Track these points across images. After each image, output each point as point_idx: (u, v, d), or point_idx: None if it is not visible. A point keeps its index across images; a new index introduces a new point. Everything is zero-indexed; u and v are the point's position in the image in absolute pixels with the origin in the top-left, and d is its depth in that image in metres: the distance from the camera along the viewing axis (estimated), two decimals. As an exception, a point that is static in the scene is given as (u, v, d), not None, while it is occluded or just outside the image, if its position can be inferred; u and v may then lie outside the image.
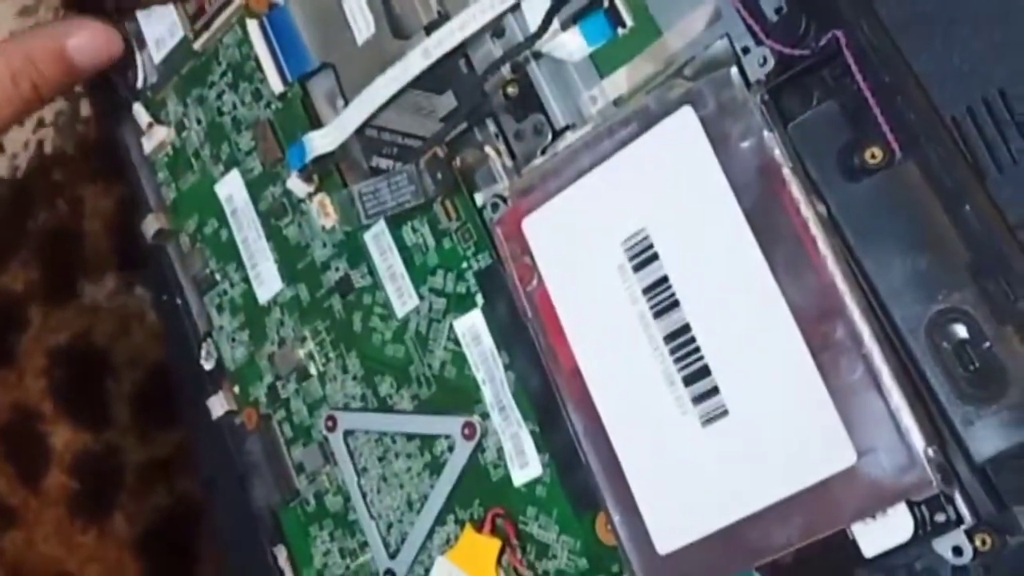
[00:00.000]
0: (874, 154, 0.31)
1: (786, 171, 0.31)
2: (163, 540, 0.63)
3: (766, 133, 0.31)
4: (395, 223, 0.41)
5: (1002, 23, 0.31)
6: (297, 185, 0.42)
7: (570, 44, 0.38)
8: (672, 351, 0.33)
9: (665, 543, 0.33)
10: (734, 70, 0.32)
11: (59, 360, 0.65)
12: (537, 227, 0.36)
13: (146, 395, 0.62)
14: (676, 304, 0.33)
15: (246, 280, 0.45)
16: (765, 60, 0.32)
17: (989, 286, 0.29)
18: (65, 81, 0.45)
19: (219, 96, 0.46)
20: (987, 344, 0.29)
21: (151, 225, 0.48)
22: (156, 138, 0.48)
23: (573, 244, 0.35)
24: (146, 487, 0.63)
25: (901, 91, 0.31)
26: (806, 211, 0.31)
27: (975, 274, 0.29)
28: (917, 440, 0.29)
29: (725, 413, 0.32)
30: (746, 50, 0.33)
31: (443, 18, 0.40)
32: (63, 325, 0.64)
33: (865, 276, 0.31)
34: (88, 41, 0.45)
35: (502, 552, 0.38)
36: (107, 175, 0.62)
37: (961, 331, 0.29)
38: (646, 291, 0.33)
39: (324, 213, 0.43)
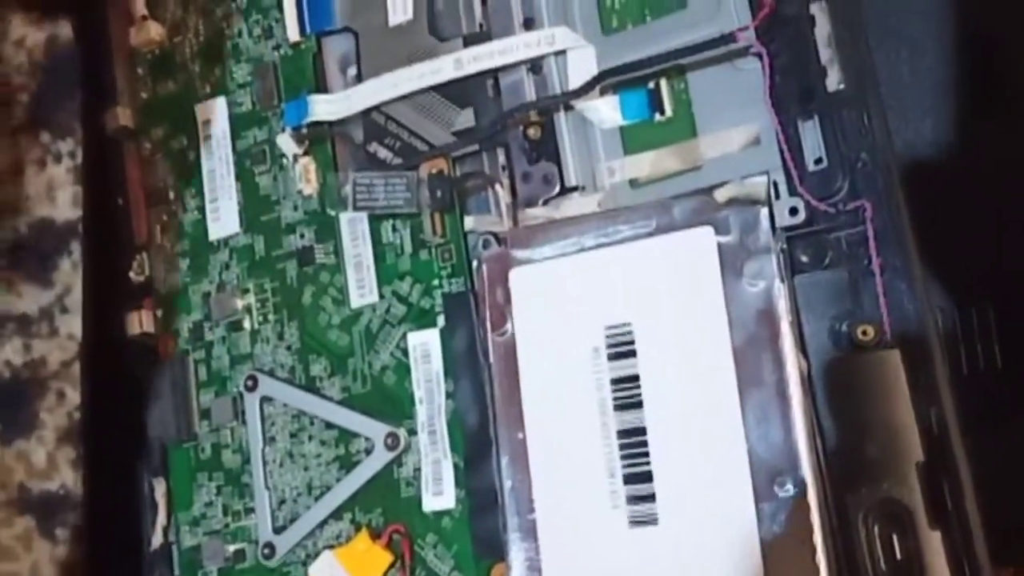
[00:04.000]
0: (866, 331, 0.33)
1: (785, 325, 0.32)
2: (4, 398, 0.61)
3: (777, 282, 0.32)
4: (377, 216, 0.40)
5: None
6: (288, 143, 0.42)
7: (604, 111, 0.38)
8: (622, 447, 0.34)
9: (558, 617, 0.34)
10: (765, 212, 0.33)
11: None
12: (524, 281, 0.36)
13: (24, 246, 0.59)
14: (639, 405, 0.34)
15: (201, 210, 0.44)
16: (796, 211, 0.33)
17: (934, 490, 0.31)
18: None
19: (226, 17, 0.45)
20: (916, 542, 0.31)
21: (116, 118, 0.46)
22: (147, 33, 0.46)
23: (556, 311, 0.36)
24: (-1, 338, 0.61)
25: (906, 280, 0.33)
26: (791, 368, 0.32)
27: (924, 475, 0.31)
28: (827, 610, 0.31)
29: (655, 522, 0.33)
30: (777, 192, 0.34)
31: (483, 32, 0.40)
32: None
33: (823, 443, 0.32)
34: None
35: (390, 567, 0.38)
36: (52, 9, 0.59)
37: (895, 523, 0.31)
38: (615, 382, 0.34)
39: (306, 179, 0.42)
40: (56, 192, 0.56)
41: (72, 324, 0.54)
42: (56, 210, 0.56)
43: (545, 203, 0.38)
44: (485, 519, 0.37)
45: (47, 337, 0.55)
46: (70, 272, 0.55)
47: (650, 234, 0.34)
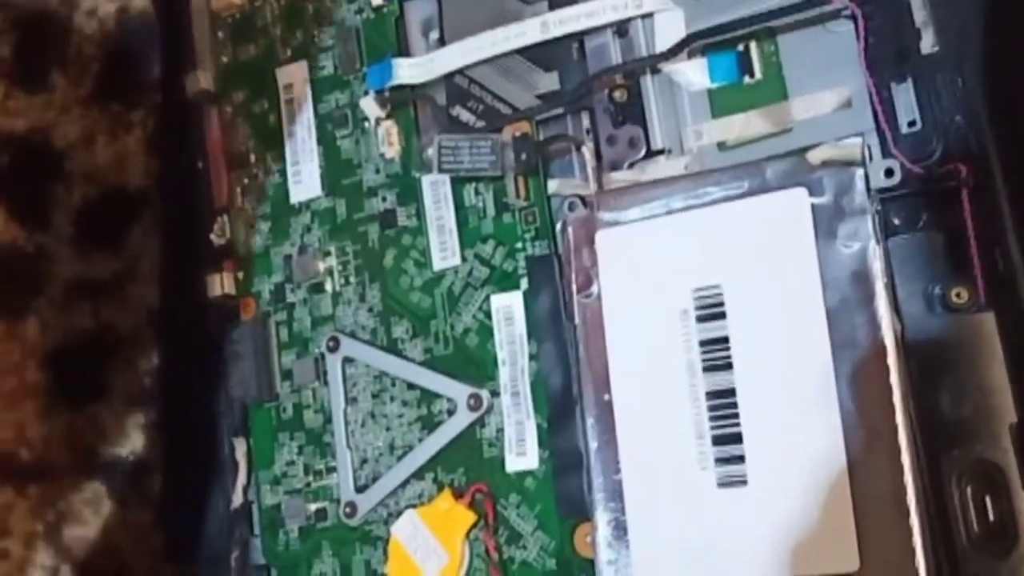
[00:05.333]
0: (960, 294, 0.32)
1: (879, 285, 0.32)
2: (75, 362, 0.62)
3: (872, 244, 0.32)
4: (460, 179, 0.41)
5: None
6: (371, 106, 0.42)
7: (692, 74, 0.38)
8: (711, 408, 0.34)
9: (643, 574, 0.35)
10: (861, 173, 0.33)
11: (8, 146, 0.62)
12: (611, 243, 0.36)
13: (96, 215, 0.60)
14: (729, 366, 0.34)
15: (282, 173, 0.45)
16: (891, 173, 0.33)
17: (1028, 452, 0.31)
18: None
19: (309, -20, 0.45)
20: (1009, 503, 0.31)
21: (197, 82, 0.47)
22: (228, -4, 0.46)
23: (643, 273, 0.36)
24: (70, 303, 0.62)
25: (1001, 243, 0.32)
26: (886, 328, 0.32)
27: (1018, 437, 0.31)
28: (922, 569, 0.31)
29: (744, 482, 0.34)
30: (870, 154, 0.34)
31: (569, -5, 0.40)
32: (23, 112, 0.62)
33: (917, 404, 0.32)
34: None
35: (473, 526, 0.39)
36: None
37: (988, 484, 0.31)
38: (704, 344, 0.34)
39: (388, 142, 0.42)
40: (127, 161, 0.57)
41: (143, 290, 0.55)
42: (127, 178, 0.57)
43: (630, 166, 0.38)
44: (568, 480, 0.37)
45: (118, 303, 0.55)
46: (141, 239, 0.55)
47: (742, 196, 0.34)
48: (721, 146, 0.37)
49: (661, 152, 0.38)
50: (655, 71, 0.38)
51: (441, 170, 0.40)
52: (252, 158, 0.46)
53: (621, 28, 0.39)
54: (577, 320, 0.37)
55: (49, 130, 0.59)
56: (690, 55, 0.38)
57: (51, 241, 0.58)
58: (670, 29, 0.38)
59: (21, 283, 0.57)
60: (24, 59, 0.61)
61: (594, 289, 0.37)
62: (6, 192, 0.61)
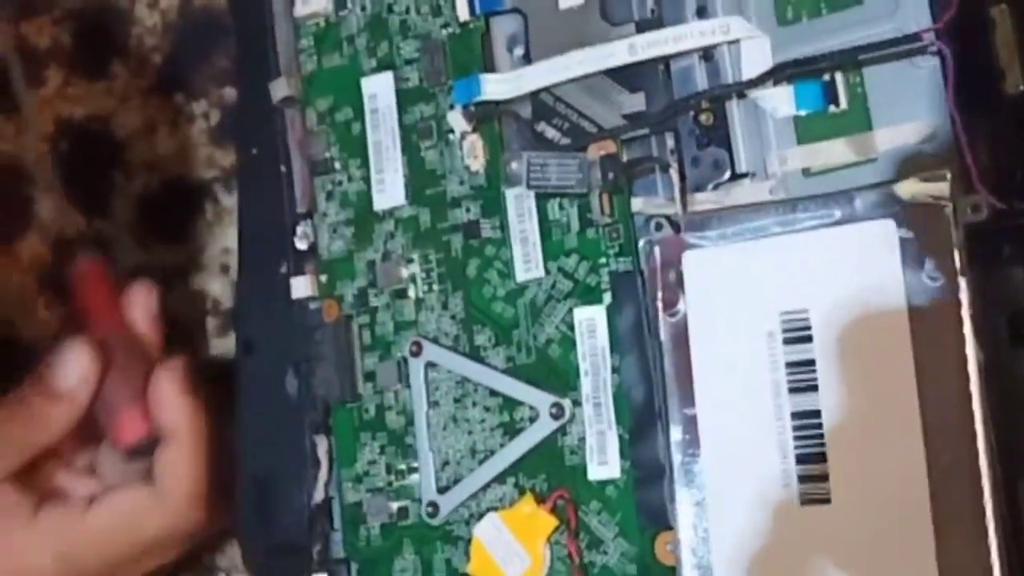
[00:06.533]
0: (1041, 327, 0.34)
1: (967, 318, 0.34)
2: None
3: (960, 279, 0.34)
4: (544, 194, 0.42)
5: None
6: (457, 120, 0.43)
7: (778, 100, 0.39)
8: (796, 428, 0.36)
9: (725, 584, 0.36)
10: (949, 208, 0.34)
11: (68, 133, 0.63)
12: (699, 264, 0.38)
13: (156, 204, 0.61)
14: (815, 388, 0.36)
15: (366, 180, 0.46)
16: (978, 208, 0.35)
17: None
18: None
19: (394, -6, 0.46)
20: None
21: (281, 88, 0.48)
22: (312, 5, 0.48)
23: (730, 295, 0.37)
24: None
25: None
26: (970, 358, 0.34)
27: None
28: (999, 590, 0.33)
29: (827, 501, 0.35)
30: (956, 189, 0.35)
31: (655, 18, 0.41)
32: (83, 100, 0.63)
33: (999, 435, 0.34)
34: None
35: (554, 531, 0.40)
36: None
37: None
38: (790, 365, 0.36)
39: (473, 155, 0.44)
40: (189, 152, 0.58)
41: (205, 281, 0.57)
42: (189, 170, 0.58)
43: (714, 188, 0.40)
44: (650, 490, 0.39)
45: (179, 293, 0.57)
46: (204, 231, 0.57)
47: (831, 224, 0.36)
48: (806, 172, 0.39)
49: (745, 175, 0.39)
50: (741, 96, 0.40)
51: (530, 186, 0.41)
52: (336, 165, 0.47)
53: (707, 53, 0.40)
54: (662, 337, 0.38)
55: (109, 118, 0.61)
56: (776, 82, 0.39)
57: (111, 229, 0.59)
58: (757, 56, 0.40)
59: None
60: (84, 48, 0.62)
61: (680, 308, 0.38)
62: (66, 179, 0.62)
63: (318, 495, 0.46)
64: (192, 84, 0.60)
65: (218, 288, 0.57)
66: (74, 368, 0.47)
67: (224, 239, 0.57)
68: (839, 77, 0.38)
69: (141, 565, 0.48)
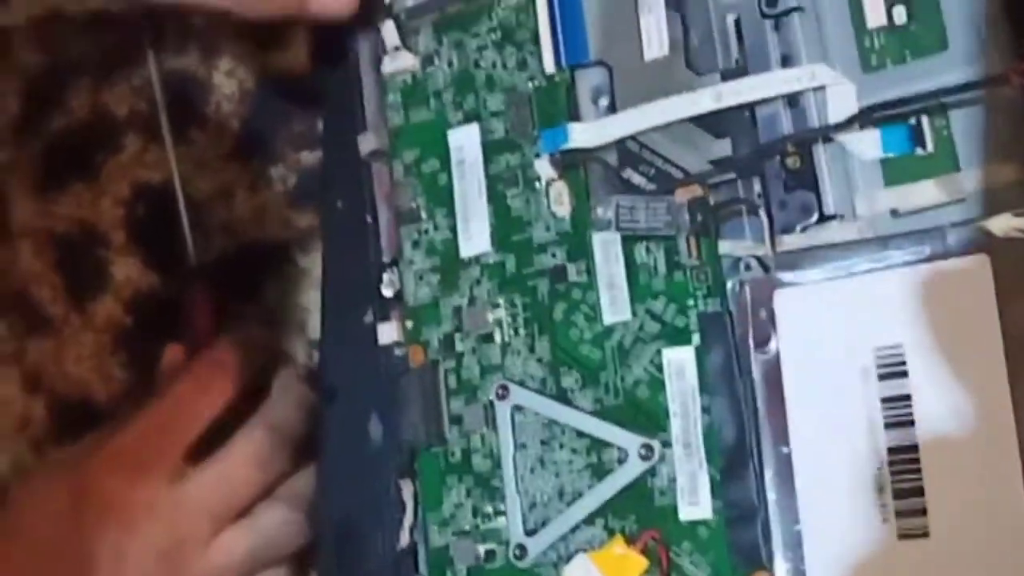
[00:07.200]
0: None
1: (1063, 350, 0.34)
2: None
3: (1055, 311, 0.34)
4: (630, 237, 0.43)
5: None
6: (545, 168, 0.44)
7: (864, 143, 0.40)
8: (892, 463, 0.36)
9: (823, 623, 0.36)
10: (1043, 243, 0.35)
11: (144, 196, 0.65)
12: (790, 302, 0.38)
13: (232, 266, 0.62)
14: (911, 423, 0.36)
15: (452, 229, 0.47)
16: (1071, 243, 0.35)
17: None
18: None
19: (480, 50, 0.47)
20: None
21: (369, 142, 0.49)
22: (400, 63, 0.49)
23: (822, 332, 0.38)
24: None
25: None
26: (1069, 391, 0.34)
27: None
28: (1106, 625, 0.32)
29: (926, 535, 0.35)
30: (1051, 224, 0.36)
31: (740, 67, 0.42)
32: (159, 165, 0.65)
33: (1099, 465, 0.34)
34: None
35: (645, 572, 0.40)
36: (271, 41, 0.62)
37: None
38: (885, 401, 0.36)
39: (559, 202, 0.45)
40: (266, 215, 0.60)
41: (281, 340, 0.58)
42: (265, 232, 0.60)
43: (803, 231, 0.40)
44: (742, 529, 0.39)
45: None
46: (278, 292, 0.58)
47: (923, 260, 0.36)
48: (894, 213, 0.39)
49: (833, 217, 0.40)
50: (827, 140, 0.40)
51: (620, 229, 0.42)
52: (422, 214, 0.48)
53: (792, 99, 0.41)
54: (755, 375, 0.39)
55: (186, 183, 0.62)
56: (863, 126, 0.40)
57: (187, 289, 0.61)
58: (841, 102, 0.40)
59: (159, 330, 0.59)
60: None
61: (772, 346, 0.38)
62: (142, 240, 0.64)
63: (403, 539, 0.46)
64: (270, 149, 0.61)
65: (294, 346, 0.58)
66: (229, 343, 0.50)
67: (300, 298, 0.59)
68: (925, 121, 0.39)
69: None
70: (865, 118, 0.39)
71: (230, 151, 0.63)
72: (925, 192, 0.39)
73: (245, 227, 0.62)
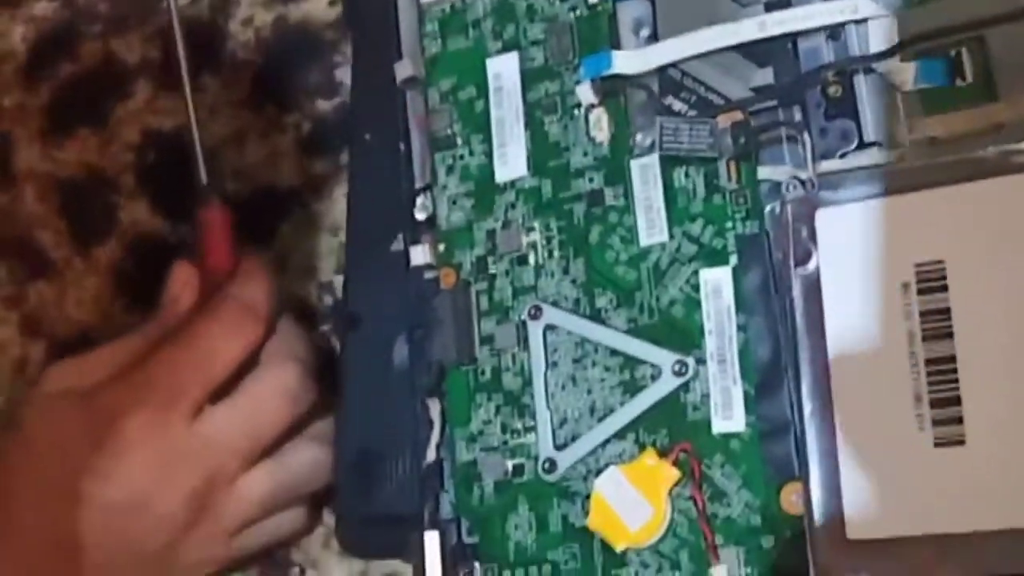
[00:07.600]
0: None
1: (1103, 264, 0.35)
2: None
3: (1096, 226, 0.35)
4: (668, 161, 0.44)
5: None
6: (586, 94, 0.45)
7: (904, 74, 0.41)
8: (930, 373, 0.37)
9: (856, 531, 0.37)
10: (1086, 162, 0.36)
11: (155, 143, 0.65)
12: (832, 221, 0.39)
13: (244, 211, 0.62)
14: (950, 335, 0.37)
15: (488, 155, 0.47)
16: (1113, 163, 0.36)
17: None
18: None
19: (521, -21, 0.48)
20: None
21: (405, 69, 0.50)
22: (439, -7, 0.50)
23: (863, 249, 0.39)
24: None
25: None
26: (1108, 304, 0.35)
27: None
28: None
29: (962, 443, 0.36)
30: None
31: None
32: (170, 112, 0.65)
33: None
34: None
35: (676, 483, 0.41)
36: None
37: None
38: (924, 314, 0.37)
39: (599, 127, 0.45)
40: (279, 161, 0.60)
41: (291, 285, 0.58)
42: (279, 178, 0.60)
43: (842, 157, 0.41)
44: (775, 443, 0.40)
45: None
46: (291, 236, 0.58)
47: (966, 179, 0.37)
48: (935, 142, 0.40)
49: (872, 144, 0.41)
50: (868, 71, 0.41)
51: (662, 150, 0.43)
52: (457, 140, 0.48)
53: (834, 32, 0.42)
54: (794, 292, 0.40)
55: (199, 128, 0.62)
56: (903, 57, 0.41)
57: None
58: (882, 34, 0.41)
59: (162, 275, 0.59)
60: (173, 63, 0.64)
61: (812, 264, 0.39)
62: (150, 186, 0.64)
63: (430, 455, 0.46)
64: (284, 97, 0.62)
65: (305, 290, 0.58)
66: (259, 285, 0.49)
67: (312, 242, 0.59)
68: (964, 52, 0.40)
69: None
70: (905, 48, 0.40)
71: (244, 98, 0.63)
72: (964, 121, 0.40)
73: (258, 172, 0.62)
